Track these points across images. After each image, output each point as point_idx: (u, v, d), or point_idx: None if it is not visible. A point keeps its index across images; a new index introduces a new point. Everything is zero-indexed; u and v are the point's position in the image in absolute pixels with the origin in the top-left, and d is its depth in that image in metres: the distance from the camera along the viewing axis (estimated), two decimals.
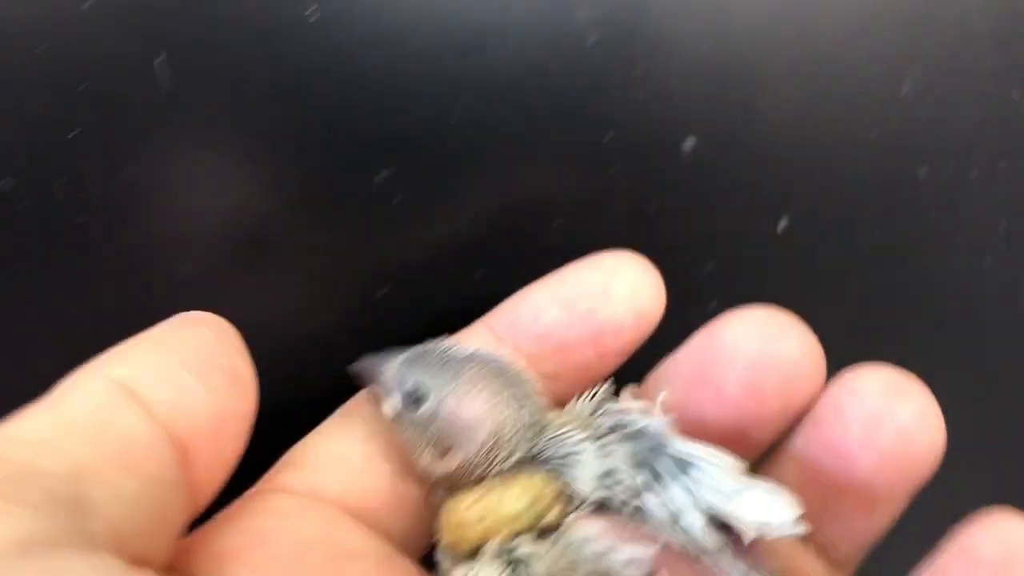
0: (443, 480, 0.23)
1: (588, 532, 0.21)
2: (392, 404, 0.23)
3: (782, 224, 0.28)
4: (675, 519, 0.21)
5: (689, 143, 0.27)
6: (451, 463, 0.22)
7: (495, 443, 0.22)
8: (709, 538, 0.21)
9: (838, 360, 0.24)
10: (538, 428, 0.22)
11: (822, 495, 0.23)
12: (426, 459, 0.23)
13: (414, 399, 0.23)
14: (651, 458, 0.21)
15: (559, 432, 0.22)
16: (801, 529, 0.20)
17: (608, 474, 0.21)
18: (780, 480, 0.21)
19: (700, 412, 0.23)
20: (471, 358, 0.23)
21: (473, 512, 0.22)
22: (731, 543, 0.21)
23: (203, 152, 0.24)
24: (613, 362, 0.24)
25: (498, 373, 0.23)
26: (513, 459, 0.22)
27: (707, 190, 0.27)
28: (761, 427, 0.23)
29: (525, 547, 0.21)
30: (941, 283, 0.30)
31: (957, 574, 0.22)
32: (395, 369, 0.23)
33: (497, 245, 0.27)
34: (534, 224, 0.27)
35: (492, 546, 0.21)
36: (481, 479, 0.22)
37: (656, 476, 0.21)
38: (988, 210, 0.29)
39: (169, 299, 0.22)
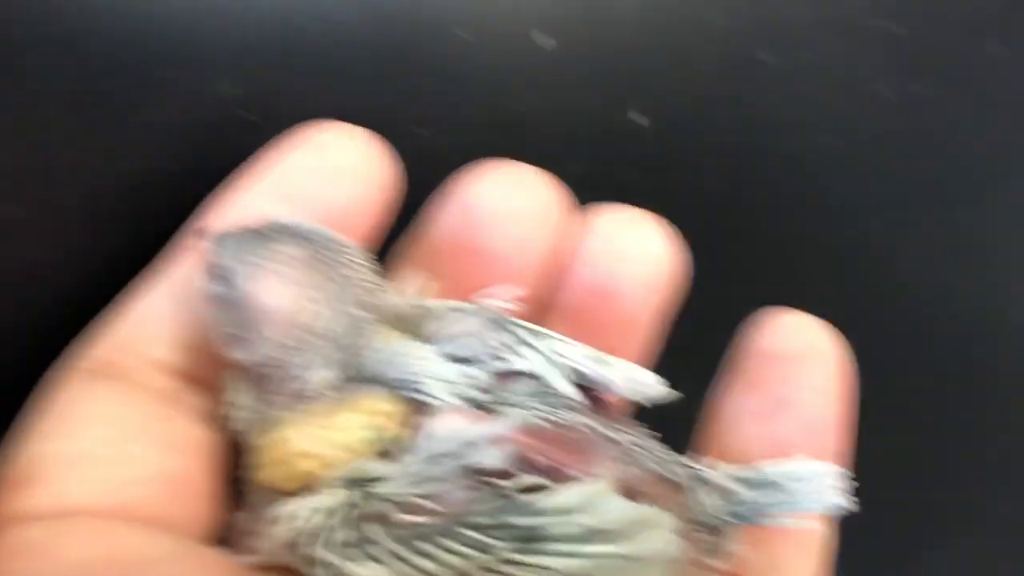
0: (248, 394, 0.20)
1: (443, 431, 0.19)
2: (202, 283, 0.20)
3: (640, 119, 0.29)
4: (540, 385, 0.20)
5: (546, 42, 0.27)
6: (246, 355, 0.20)
7: (301, 345, 0.20)
8: (577, 398, 0.20)
9: (702, 247, 0.24)
10: (365, 337, 0.20)
11: (591, 337, 0.22)
12: (224, 345, 0.20)
13: (220, 278, 0.20)
14: (502, 332, 0.21)
15: (392, 344, 0.20)
16: (670, 394, 0.21)
17: (459, 374, 0.20)
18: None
19: (471, 280, 0.22)
20: (288, 233, 0.20)
21: (298, 443, 0.19)
22: (593, 407, 0.21)
23: None
24: (376, 241, 0.23)
25: (320, 259, 0.20)
26: (329, 375, 0.20)
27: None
28: (527, 284, 0.23)
29: (370, 467, 0.19)
30: (787, 167, 0.30)
31: (753, 372, 0.23)
32: (214, 246, 0.20)
33: None
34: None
35: (328, 476, 0.19)
36: (297, 397, 0.20)
37: (514, 344, 0.21)
38: (825, 92, 0.30)
39: None
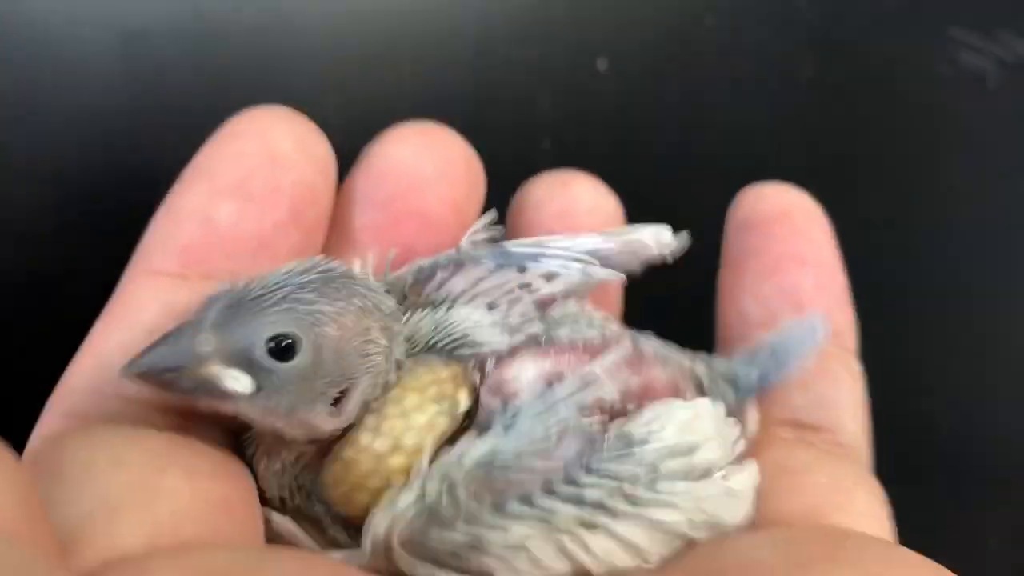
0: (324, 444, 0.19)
1: (528, 380, 0.19)
2: (241, 381, 0.18)
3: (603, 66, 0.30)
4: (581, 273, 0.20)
5: None
6: (352, 404, 0.18)
7: (382, 357, 0.19)
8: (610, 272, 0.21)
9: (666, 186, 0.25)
10: (399, 321, 0.20)
11: None
12: (320, 417, 0.18)
13: (279, 351, 0.18)
14: (510, 267, 0.21)
15: (421, 317, 0.20)
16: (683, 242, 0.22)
17: (499, 316, 0.20)
18: None
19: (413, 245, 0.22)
20: (306, 284, 0.18)
21: (383, 444, 0.18)
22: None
23: None
24: (322, 228, 0.22)
25: (343, 285, 0.19)
26: (392, 371, 0.19)
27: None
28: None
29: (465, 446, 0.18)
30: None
31: (738, 241, 0.24)
32: (213, 336, 0.18)
33: None
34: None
35: (419, 464, 0.18)
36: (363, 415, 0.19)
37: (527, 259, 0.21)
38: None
39: None
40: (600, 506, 0.18)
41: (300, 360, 0.18)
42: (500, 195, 0.24)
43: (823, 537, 0.19)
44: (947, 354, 0.33)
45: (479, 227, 0.22)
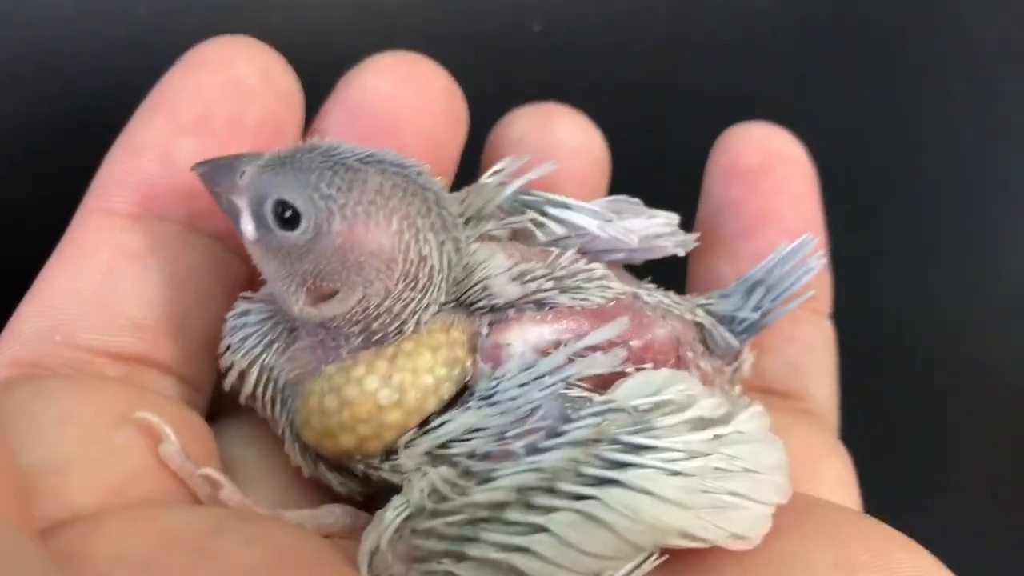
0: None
1: (519, 349, 0.18)
2: (248, 225, 0.18)
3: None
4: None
5: None
6: (336, 308, 0.18)
7: (409, 286, 0.18)
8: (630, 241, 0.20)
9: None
10: (463, 268, 0.19)
11: None
12: (299, 301, 0.18)
13: (281, 218, 0.18)
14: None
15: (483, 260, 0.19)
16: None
17: (513, 266, 0.19)
18: None
19: None
20: (372, 159, 0.18)
21: (386, 396, 0.18)
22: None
23: None
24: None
25: (411, 187, 0.18)
26: (431, 311, 0.18)
27: None
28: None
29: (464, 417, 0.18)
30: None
31: (718, 190, 0.23)
32: (252, 175, 0.18)
33: None
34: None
35: (413, 425, 0.18)
36: (371, 336, 0.18)
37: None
38: None
39: None
40: (593, 444, 0.17)
41: (297, 236, 0.18)
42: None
43: (792, 506, 0.19)
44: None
45: (495, 170, 0.21)
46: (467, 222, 0.20)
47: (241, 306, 0.19)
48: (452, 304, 0.19)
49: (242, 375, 0.19)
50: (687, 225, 0.24)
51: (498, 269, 0.19)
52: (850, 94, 0.31)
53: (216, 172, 0.19)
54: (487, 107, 0.23)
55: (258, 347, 0.19)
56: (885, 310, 0.32)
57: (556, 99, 0.24)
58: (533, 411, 0.17)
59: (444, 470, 0.17)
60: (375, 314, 0.18)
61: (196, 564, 0.15)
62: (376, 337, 0.18)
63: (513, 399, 0.18)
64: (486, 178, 0.21)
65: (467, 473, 0.17)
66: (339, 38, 0.26)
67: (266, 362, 0.19)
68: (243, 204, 0.18)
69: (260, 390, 0.19)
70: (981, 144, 0.33)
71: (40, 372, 0.19)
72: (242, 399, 0.19)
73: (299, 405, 0.18)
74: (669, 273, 0.23)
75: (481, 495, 0.16)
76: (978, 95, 0.32)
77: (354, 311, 0.18)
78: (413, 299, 0.18)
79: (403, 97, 0.21)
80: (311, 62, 0.22)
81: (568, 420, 0.17)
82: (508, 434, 0.17)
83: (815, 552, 0.17)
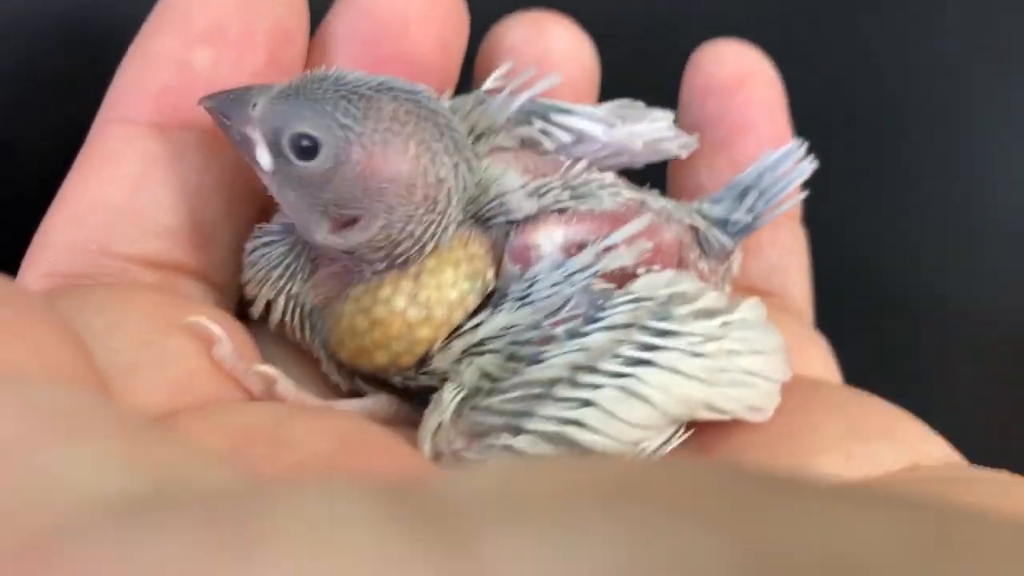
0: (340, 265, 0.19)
1: (548, 249, 0.19)
2: (264, 157, 0.18)
3: None
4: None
5: None
6: (359, 235, 0.18)
7: (429, 208, 0.18)
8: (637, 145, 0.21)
9: None
10: (476, 184, 0.19)
11: None
12: (321, 230, 0.18)
13: (300, 149, 0.18)
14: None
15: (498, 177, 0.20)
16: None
17: (529, 181, 0.20)
18: None
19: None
20: (383, 88, 0.18)
21: (417, 312, 0.19)
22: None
23: None
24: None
25: (423, 112, 0.18)
26: (450, 231, 0.19)
27: None
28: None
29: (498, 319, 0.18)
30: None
31: (695, 105, 0.25)
32: (265, 107, 0.18)
33: None
34: None
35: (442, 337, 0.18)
36: (395, 260, 0.19)
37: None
38: None
39: None
40: (626, 329, 0.18)
41: (316, 165, 0.18)
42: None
43: (798, 387, 0.20)
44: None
45: (496, 76, 0.22)
46: (477, 138, 0.21)
47: (260, 236, 0.20)
48: (469, 221, 0.19)
49: (268, 305, 0.20)
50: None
51: (513, 184, 0.20)
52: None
53: (227, 105, 0.18)
54: (475, 13, 0.23)
55: (283, 278, 0.19)
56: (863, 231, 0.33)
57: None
58: (566, 302, 0.18)
59: (490, 357, 0.18)
60: (397, 239, 0.18)
61: (276, 455, 0.15)
62: (399, 260, 0.19)
63: (547, 297, 0.19)
64: (489, 84, 0.22)
65: (513, 357, 0.18)
66: None
67: (292, 291, 0.19)
68: (257, 136, 0.18)
69: (288, 317, 0.20)
70: (975, 73, 0.34)
71: (79, 281, 0.19)
72: (272, 326, 0.20)
73: (330, 326, 0.19)
74: (649, 181, 0.24)
75: (534, 373, 0.18)
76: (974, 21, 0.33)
77: (377, 237, 0.18)
78: (433, 221, 0.18)
79: (413, 3, 0.21)
80: None
81: (602, 308, 0.18)
82: (545, 323, 0.18)
83: (828, 424, 0.19)
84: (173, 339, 0.17)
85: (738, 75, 0.25)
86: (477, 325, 0.19)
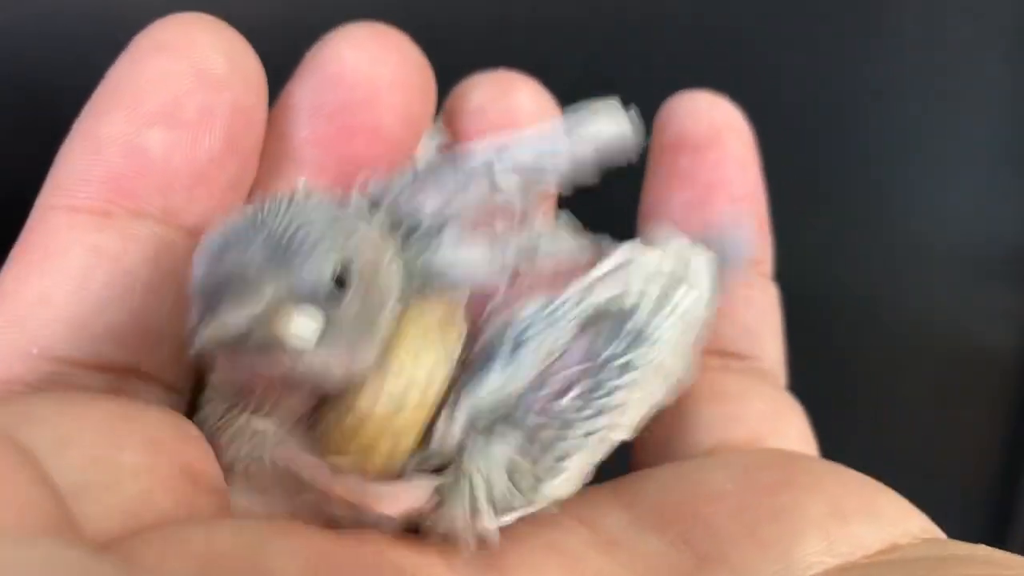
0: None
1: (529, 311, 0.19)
2: (308, 325, 0.16)
3: None
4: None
5: None
6: (372, 353, 0.17)
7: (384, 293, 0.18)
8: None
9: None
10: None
11: None
12: (374, 347, 0.17)
13: (339, 282, 0.16)
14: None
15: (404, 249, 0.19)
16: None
17: (488, 249, 0.19)
18: None
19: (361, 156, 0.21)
20: (304, 206, 0.17)
21: (419, 396, 0.18)
22: None
23: None
24: (257, 154, 0.20)
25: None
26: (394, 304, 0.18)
27: None
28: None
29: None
30: None
31: (666, 160, 0.24)
32: (281, 277, 0.16)
33: None
34: None
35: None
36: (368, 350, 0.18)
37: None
38: None
39: None
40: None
41: (356, 288, 0.16)
42: None
43: (776, 462, 0.20)
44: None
45: (428, 137, 0.21)
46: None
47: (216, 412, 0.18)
48: (421, 291, 0.19)
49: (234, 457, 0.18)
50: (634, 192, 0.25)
51: (471, 259, 0.19)
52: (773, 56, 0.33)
53: (235, 312, 0.15)
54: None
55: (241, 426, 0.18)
56: (820, 271, 0.34)
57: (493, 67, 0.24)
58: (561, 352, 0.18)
59: (503, 441, 0.18)
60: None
61: None
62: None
63: (537, 349, 0.18)
64: (422, 151, 0.21)
65: (530, 437, 0.18)
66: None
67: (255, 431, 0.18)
68: (293, 310, 0.16)
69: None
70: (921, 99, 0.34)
71: (19, 389, 0.17)
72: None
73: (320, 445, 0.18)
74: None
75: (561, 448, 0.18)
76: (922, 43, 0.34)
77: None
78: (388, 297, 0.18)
79: (381, 71, 0.20)
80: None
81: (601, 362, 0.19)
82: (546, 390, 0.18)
83: (809, 505, 0.19)
84: (126, 453, 0.16)
85: (711, 129, 0.24)
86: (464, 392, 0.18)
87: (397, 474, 0.18)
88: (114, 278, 0.18)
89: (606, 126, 0.21)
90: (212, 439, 0.18)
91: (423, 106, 0.21)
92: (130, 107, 0.18)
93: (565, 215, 0.21)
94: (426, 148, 0.21)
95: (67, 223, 0.18)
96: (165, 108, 0.18)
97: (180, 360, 0.19)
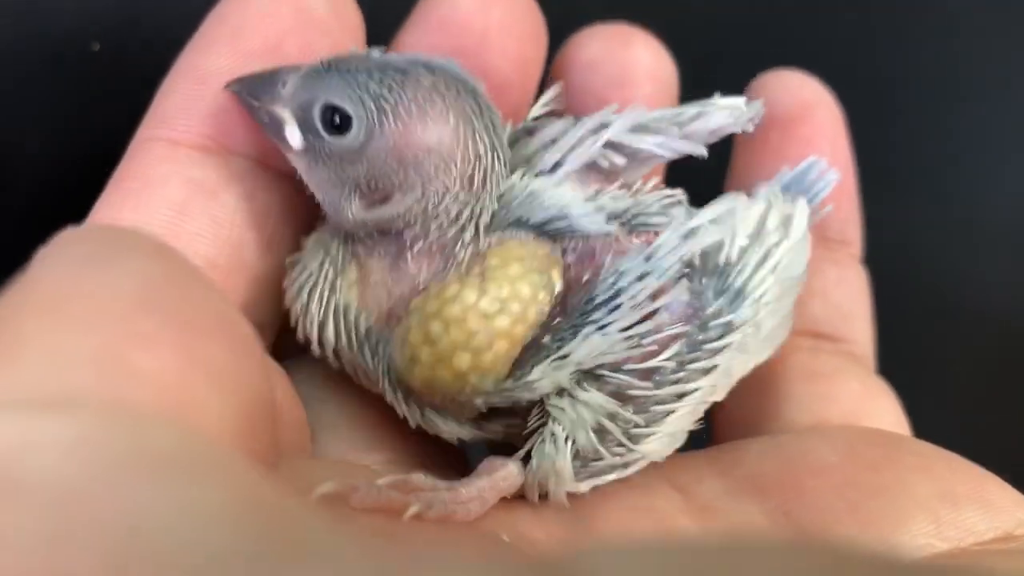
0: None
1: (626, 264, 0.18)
2: (294, 135, 0.18)
3: None
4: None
5: None
6: (392, 208, 0.18)
7: (464, 188, 0.18)
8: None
9: None
10: (528, 195, 0.18)
11: None
12: (352, 207, 0.18)
13: (331, 123, 0.17)
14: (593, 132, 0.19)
15: (522, 181, 0.19)
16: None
17: (596, 200, 0.19)
18: None
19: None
20: (418, 61, 0.18)
21: (488, 303, 0.17)
22: None
23: None
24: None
25: (464, 86, 0.18)
26: (485, 218, 0.18)
27: None
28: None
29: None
30: None
31: (755, 134, 0.22)
32: (295, 84, 0.18)
33: None
34: None
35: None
36: (441, 248, 0.18)
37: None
38: None
39: None
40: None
41: (349, 140, 0.17)
42: None
43: (882, 440, 0.19)
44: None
45: (545, 101, 0.20)
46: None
47: (303, 255, 0.19)
48: (518, 226, 0.18)
49: (321, 327, 0.18)
50: (722, 167, 0.25)
51: (574, 201, 0.19)
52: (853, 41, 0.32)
53: (255, 86, 0.18)
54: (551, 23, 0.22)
55: (326, 283, 0.18)
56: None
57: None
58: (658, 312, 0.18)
59: (596, 398, 0.18)
60: (433, 213, 0.17)
61: None
62: (445, 249, 0.18)
63: (633, 300, 0.18)
64: (536, 111, 0.20)
65: (623, 397, 0.18)
66: None
67: (342, 306, 0.18)
68: (287, 115, 0.18)
69: (344, 341, 0.18)
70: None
71: None
72: (328, 354, 0.19)
73: (398, 344, 0.18)
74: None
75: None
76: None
77: (412, 210, 0.17)
78: (470, 203, 0.18)
79: (492, 15, 0.20)
80: None
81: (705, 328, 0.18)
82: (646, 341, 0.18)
83: (915, 485, 0.18)
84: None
85: (802, 107, 0.23)
86: (563, 341, 0.17)
87: (463, 402, 0.18)
88: (211, 212, 0.18)
89: (726, 121, 0.20)
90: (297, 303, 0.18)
91: (535, 51, 0.21)
92: (233, 43, 0.18)
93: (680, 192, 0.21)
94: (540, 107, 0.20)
95: (167, 155, 0.18)
96: (267, 45, 0.18)
97: (267, 297, 0.19)
